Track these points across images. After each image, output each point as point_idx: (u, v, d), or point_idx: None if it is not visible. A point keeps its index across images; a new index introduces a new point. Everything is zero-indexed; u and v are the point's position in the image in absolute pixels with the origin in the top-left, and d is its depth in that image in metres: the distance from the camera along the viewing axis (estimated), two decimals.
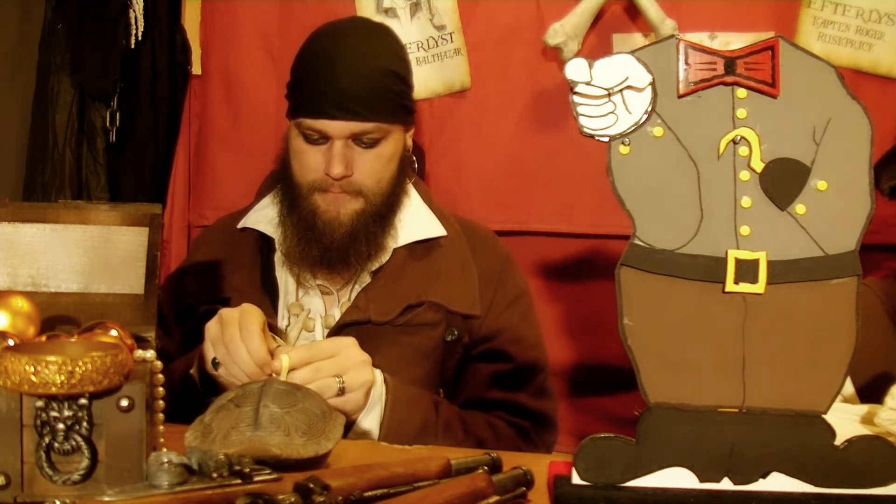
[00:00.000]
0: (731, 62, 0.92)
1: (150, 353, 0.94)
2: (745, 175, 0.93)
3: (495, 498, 0.90)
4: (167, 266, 2.11)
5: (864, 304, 0.94)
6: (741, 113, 0.93)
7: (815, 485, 0.93)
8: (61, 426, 0.84)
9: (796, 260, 0.93)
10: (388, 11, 2.10)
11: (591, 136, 0.93)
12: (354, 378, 1.29)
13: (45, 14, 2.28)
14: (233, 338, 1.27)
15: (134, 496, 0.80)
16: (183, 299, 1.57)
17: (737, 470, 0.93)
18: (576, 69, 0.92)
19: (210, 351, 1.31)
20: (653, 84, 0.92)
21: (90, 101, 2.28)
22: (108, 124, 2.27)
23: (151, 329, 1.01)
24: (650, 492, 0.93)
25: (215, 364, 1.30)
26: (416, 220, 1.57)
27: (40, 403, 0.84)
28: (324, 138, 1.48)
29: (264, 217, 1.58)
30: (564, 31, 2.00)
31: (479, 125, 2.11)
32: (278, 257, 1.56)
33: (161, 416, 0.95)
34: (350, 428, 1.31)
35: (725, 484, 0.94)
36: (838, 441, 0.94)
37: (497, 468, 1.00)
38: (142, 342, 0.98)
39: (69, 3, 2.24)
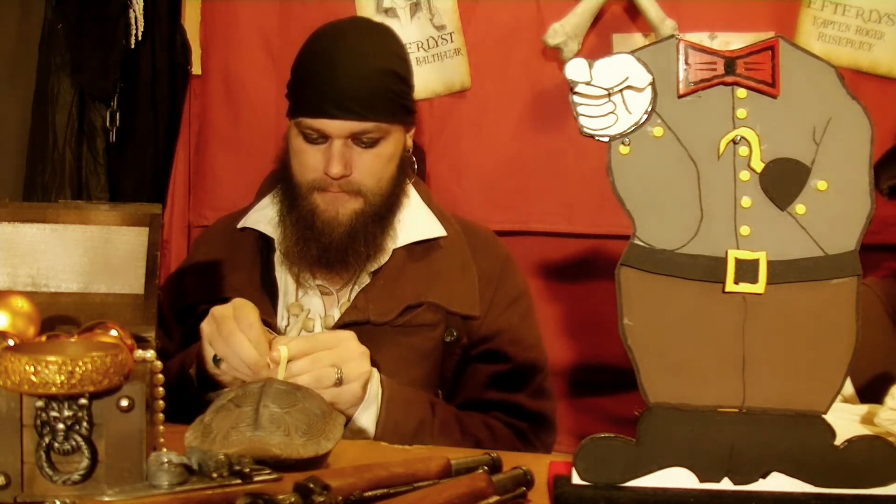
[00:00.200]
0: (731, 62, 0.93)
1: (150, 353, 0.94)
2: (745, 175, 0.93)
3: (495, 498, 0.90)
4: (167, 266, 2.11)
5: (864, 304, 0.94)
6: (741, 113, 0.93)
7: (815, 485, 0.93)
8: (61, 426, 0.84)
9: (796, 260, 0.93)
10: (388, 11, 2.11)
11: (591, 136, 0.93)
12: (352, 369, 1.29)
13: (45, 14, 2.29)
14: (232, 331, 1.27)
15: (134, 496, 0.80)
16: (183, 299, 1.57)
17: (737, 470, 0.93)
18: (576, 69, 0.92)
19: (208, 349, 1.31)
20: (653, 84, 0.92)
21: (90, 101, 2.28)
22: (108, 124, 2.27)
23: (151, 329, 1.01)
24: (650, 492, 0.93)
25: (216, 361, 1.30)
26: (416, 221, 1.57)
27: (40, 403, 0.84)
28: (323, 138, 1.48)
29: (264, 217, 1.58)
30: (564, 31, 2.00)
31: (479, 125, 2.11)
32: (278, 257, 1.56)
33: (161, 416, 0.95)
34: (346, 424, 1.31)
35: (725, 484, 0.94)
36: (838, 441, 0.94)
37: (497, 468, 1.00)
38: (142, 342, 0.98)
39: (69, 3, 2.24)
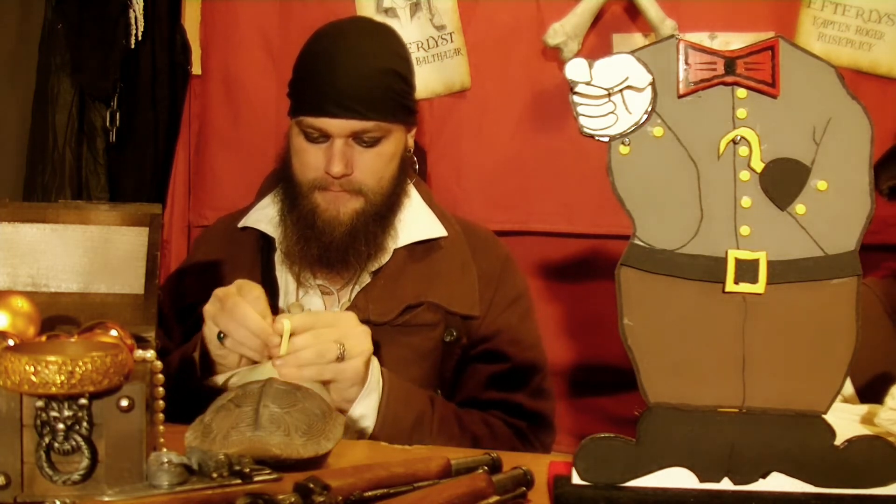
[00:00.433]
0: (731, 62, 0.92)
1: (150, 353, 0.94)
2: (745, 175, 0.93)
3: (495, 498, 0.90)
4: (167, 266, 2.12)
5: (864, 304, 0.94)
6: (741, 113, 0.93)
7: (815, 485, 0.93)
8: (61, 426, 0.84)
9: (796, 260, 0.93)
10: (388, 11, 2.11)
11: (591, 136, 0.93)
12: (355, 345, 1.30)
13: (45, 14, 2.29)
14: (237, 303, 1.28)
15: (134, 496, 0.80)
16: (183, 299, 1.57)
17: (737, 470, 0.93)
18: (576, 69, 0.92)
19: (212, 329, 1.31)
20: (653, 84, 0.92)
21: (90, 101, 2.28)
22: (108, 124, 2.27)
23: (151, 329, 1.01)
24: (650, 492, 0.93)
25: (221, 338, 1.30)
26: (417, 221, 1.57)
27: (40, 403, 0.84)
28: (324, 137, 1.48)
29: (265, 216, 1.58)
30: (564, 31, 2.00)
31: (479, 125, 2.11)
32: (279, 257, 1.56)
33: (161, 416, 0.95)
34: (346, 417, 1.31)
35: (725, 484, 0.94)
36: (838, 441, 0.94)
37: (497, 468, 1.00)
38: (142, 342, 0.98)
39: (69, 3, 2.24)
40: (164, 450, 0.86)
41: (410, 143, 1.60)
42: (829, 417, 0.94)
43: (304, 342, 1.27)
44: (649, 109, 0.92)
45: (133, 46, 2.23)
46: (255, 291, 1.31)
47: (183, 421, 1.08)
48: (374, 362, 1.35)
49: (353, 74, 1.46)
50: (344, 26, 1.58)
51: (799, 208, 0.93)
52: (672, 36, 0.95)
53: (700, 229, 0.93)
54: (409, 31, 2.07)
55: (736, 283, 0.92)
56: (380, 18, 2.04)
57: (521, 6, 2.09)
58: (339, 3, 2.08)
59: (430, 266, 1.54)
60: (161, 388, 0.94)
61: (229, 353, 1.32)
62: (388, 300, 1.50)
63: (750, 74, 0.92)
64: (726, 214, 0.93)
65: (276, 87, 2.14)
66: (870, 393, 1.32)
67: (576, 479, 0.93)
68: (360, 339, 1.31)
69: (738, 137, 0.92)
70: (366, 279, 1.53)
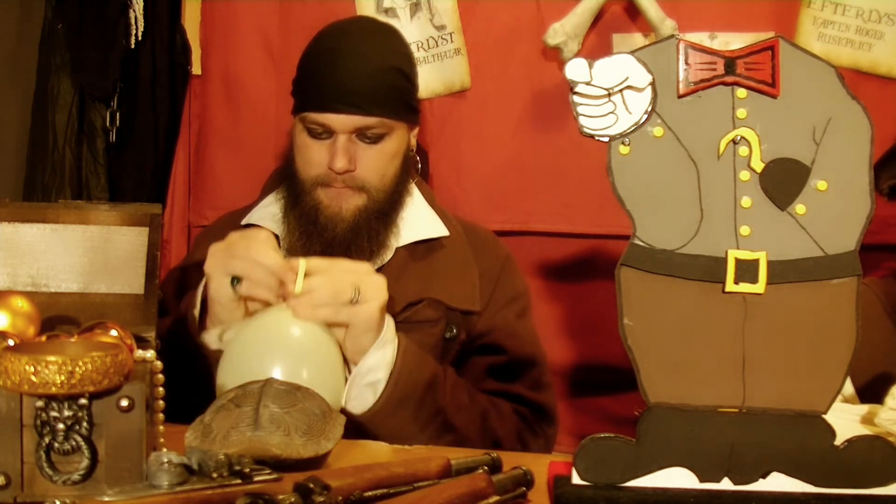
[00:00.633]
0: (731, 62, 0.92)
1: (150, 353, 0.94)
2: (745, 175, 0.93)
3: (495, 498, 0.90)
4: (167, 266, 2.11)
5: (864, 304, 0.94)
6: (741, 113, 0.93)
7: (815, 485, 0.93)
8: (61, 426, 0.84)
9: (796, 260, 0.93)
10: (388, 11, 2.11)
11: (591, 136, 0.93)
12: (370, 290, 1.29)
13: (45, 14, 2.29)
14: (249, 245, 1.28)
15: (134, 496, 0.80)
16: (185, 293, 1.57)
17: (737, 470, 0.93)
18: (576, 69, 0.92)
19: (220, 280, 1.29)
20: (653, 84, 0.92)
21: (90, 101, 2.28)
22: (108, 124, 2.27)
23: (151, 329, 1.01)
24: (650, 492, 0.93)
25: (235, 283, 1.29)
26: (419, 220, 1.58)
27: (40, 403, 0.84)
28: (328, 133, 1.49)
29: (268, 214, 1.59)
30: (564, 31, 2.00)
31: (479, 125, 2.11)
32: (282, 254, 1.57)
33: (161, 416, 0.95)
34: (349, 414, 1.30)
35: (725, 484, 0.94)
36: (838, 441, 0.94)
37: (497, 468, 1.00)
38: (142, 342, 0.98)
39: (69, 3, 2.24)
40: (164, 450, 0.86)
41: (413, 142, 1.60)
42: (829, 417, 0.94)
43: (318, 283, 1.26)
44: (649, 109, 0.92)
45: (133, 46, 2.23)
46: (263, 233, 1.31)
47: (183, 421, 1.08)
48: (390, 318, 1.34)
49: (357, 71, 1.47)
50: (348, 25, 1.59)
51: (799, 208, 0.93)
52: (672, 36, 0.95)
53: (700, 229, 0.92)
54: (409, 31, 2.07)
55: (736, 283, 0.92)
56: (380, 18, 2.04)
57: (521, 6, 2.09)
58: (339, 3, 2.08)
59: (432, 264, 1.55)
60: (161, 388, 0.94)
61: (237, 306, 1.30)
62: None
63: (750, 74, 0.92)
64: (726, 214, 0.92)
65: (276, 87, 2.15)
66: (870, 393, 1.32)
67: (576, 479, 0.93)
68: (375, 284, 1.30)
69: (738, 137, 0.92)
70: None
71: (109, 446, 0.85)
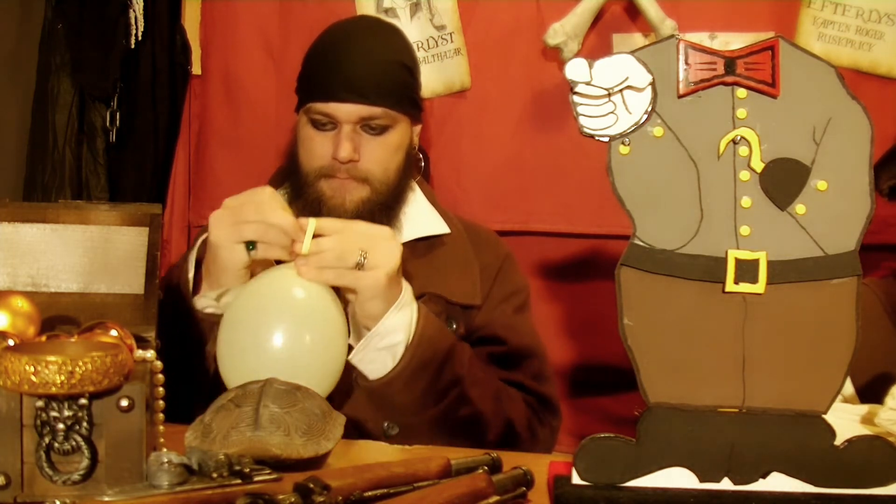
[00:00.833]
0: (731, 62, 0.92)
1: (150, 353, 0.94)
2: (745, 175, 0.93)
3: (495, 498, 0.90)
4: (167, 266, 2.11)
5: (864, 304, 0.94)
6: (741, 113, 0.93)
7: (815, 485, 0.93)
8: (61, 426, 0.84)
9: (796, 260, 0.93)
10: (388, 11, 2.11)
11: (591, 136, 0.93)
12: (378, 257, 1.27)
13: (45, 14, 2.29)
14: (260, 206, 1.27)
15: (134, 496, 0.80)
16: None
17: (737, 470, 0.93)
18: (576, 69, 0.92)
19: (230, 248, 1.29)
20: (653, 84, 0.92)
21: (90, 101, 2.28)
22: (108, 124, 2.27)
23: (151, 329, 1.01)
24: (650, 492, 0.93)
25: (251, 248, 1.28)
26: (421, 217, 1.59)
27: (40, 403, 0.84)
28: (332, 124, 1.50)
29: None
30: (564, 31, 2.00)
31: (479, 125, 2.11)
32: None
33: (161, 416, 0.95)
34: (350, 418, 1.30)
35: (725, 484, 0.94)
36: (838, 441, 0.94)
37: (497, 468, 1.00)
38: (142, 342, 0.98)
39: (69, 3, 2.25)
40: (164, 450, 0.86)
41: (416, 140, 1.62)
42: (829, 417, 0.94)
43: (326, 244, 1.25)
44: (649, 109, 0.92)
45: (133, 46, 2.23)
46: (267, 190, 1.31)
47: (183, 421, 1.08)
48: (406, 283, 1.34)
49: (361, 62, 1.49)
50: (353, 23, 1.63)
51: (799, 208, 0.93)
52: (672, 36, 0.95)
53: (700, 229, 0.92)
54: (409, 31, 2.07)
55: (736, 283, 0.92)
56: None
57: (521, 6, 2.09)
58: (339, 3, 2.08)
59: (433, 261, 1.56)
60: (161, 388, 0.94)
61: (248, 271, 1.29)
62: None
63: (750, 74, 0.92)
64: (726, 214, 0.92)
65: (276, 87, 2.15)
66: (870, 393, 1.32)
67: (576, 479, 0.93)
68: (386, 251, 1.28)
69: (738, 137, 0.92)
70: None
71: (109, 446, 0.85)
